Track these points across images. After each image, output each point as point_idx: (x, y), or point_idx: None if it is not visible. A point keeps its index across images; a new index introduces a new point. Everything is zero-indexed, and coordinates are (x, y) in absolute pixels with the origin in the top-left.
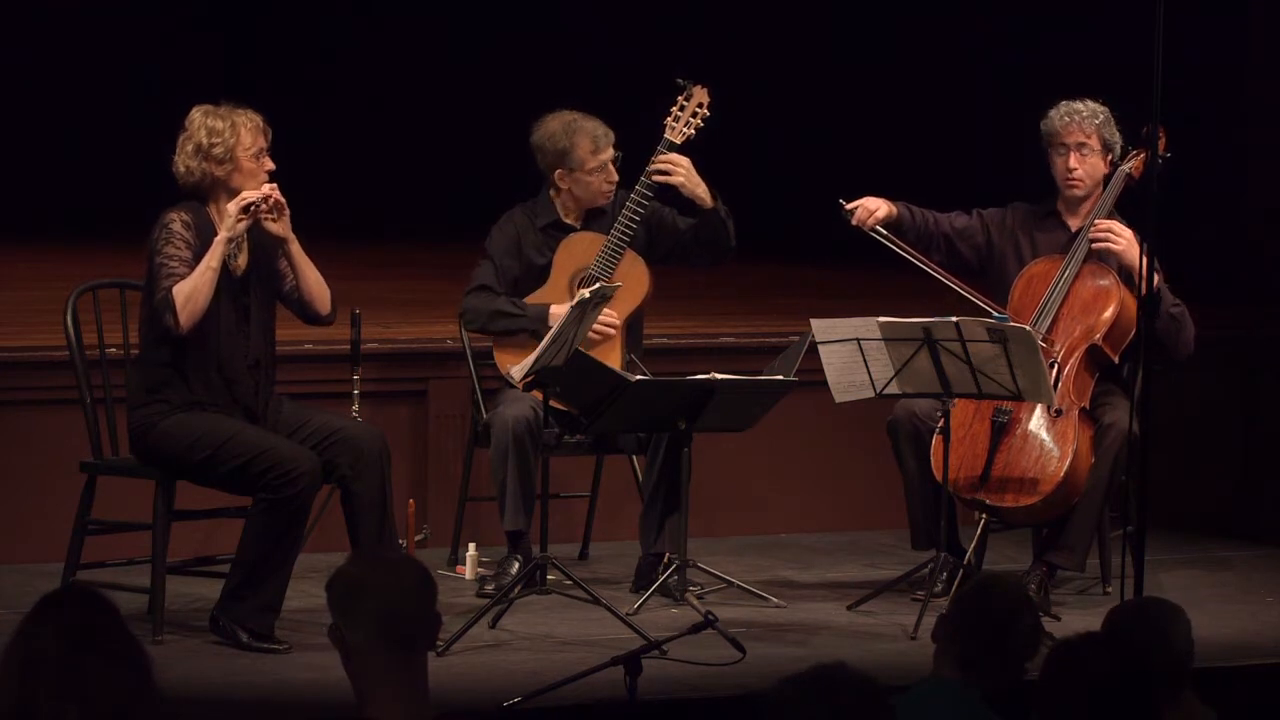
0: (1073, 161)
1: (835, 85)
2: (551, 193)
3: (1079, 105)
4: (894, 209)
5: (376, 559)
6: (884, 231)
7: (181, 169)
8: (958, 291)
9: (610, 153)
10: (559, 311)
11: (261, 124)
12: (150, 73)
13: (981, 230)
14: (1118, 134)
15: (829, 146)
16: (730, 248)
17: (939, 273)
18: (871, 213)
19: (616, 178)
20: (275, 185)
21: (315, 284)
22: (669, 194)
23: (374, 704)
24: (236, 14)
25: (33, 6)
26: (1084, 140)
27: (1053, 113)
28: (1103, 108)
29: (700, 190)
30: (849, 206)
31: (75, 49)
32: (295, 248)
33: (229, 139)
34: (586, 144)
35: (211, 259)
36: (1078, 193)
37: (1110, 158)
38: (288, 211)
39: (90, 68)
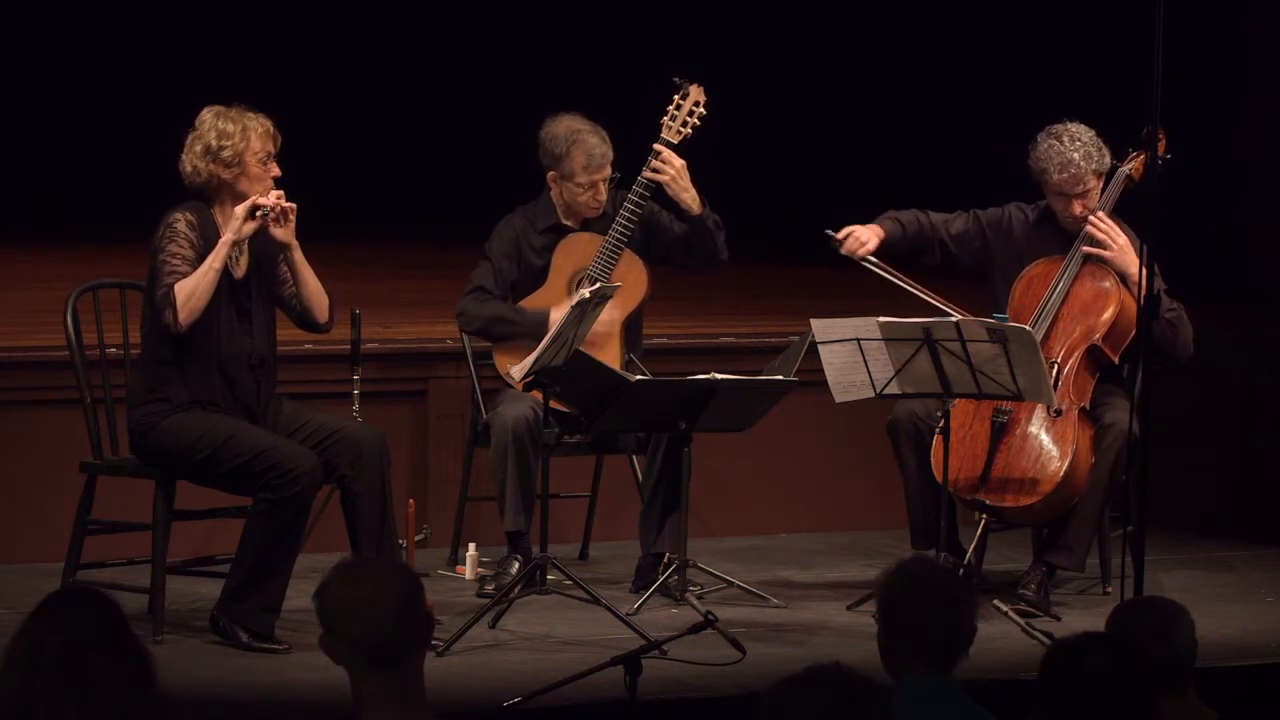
0: (1077, 209)
1: (836, 84)
2: (552, 194)
3: (1073, 154)
4: (882, 233)
5: (356, 575)
6: (874, 260)
7: (188, 168)
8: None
9: (605, 172)
10: (558, 317)
11: (272, 129)
12: (152, 72)
13: (979, 235)
14: (1106, 150)
15: (829, 146)
16: (721, 260)
17: (931, 296)
18: (863, 243)
19: (604, 198)
20: (282, 192)
21: (315, 291)
22: (663, 196)
23: (369, 711)
24: (239, 13)
25: (34, 7)
26: (1086, 189)
27: (1046, 164)
28: (1089, 135)
29: (687, 196)
30: (838, 236)
31: (75, 49)
32: (298, 254)
33: (239, 143)
34: (581, 159)
35: (215, 260)
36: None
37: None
38: (293, 218)
39: (91, 68)
